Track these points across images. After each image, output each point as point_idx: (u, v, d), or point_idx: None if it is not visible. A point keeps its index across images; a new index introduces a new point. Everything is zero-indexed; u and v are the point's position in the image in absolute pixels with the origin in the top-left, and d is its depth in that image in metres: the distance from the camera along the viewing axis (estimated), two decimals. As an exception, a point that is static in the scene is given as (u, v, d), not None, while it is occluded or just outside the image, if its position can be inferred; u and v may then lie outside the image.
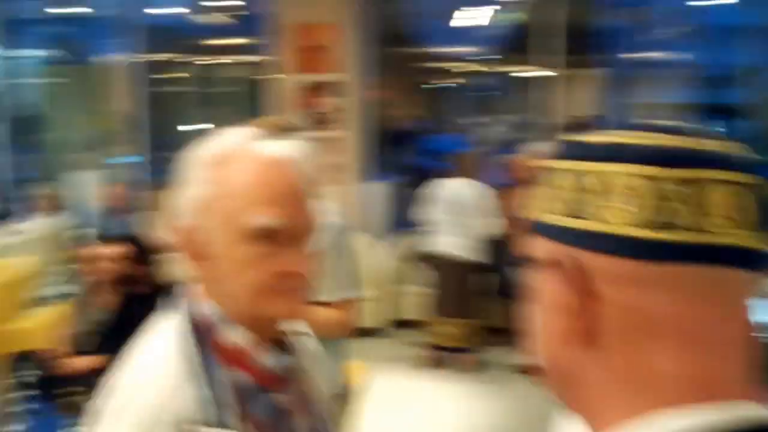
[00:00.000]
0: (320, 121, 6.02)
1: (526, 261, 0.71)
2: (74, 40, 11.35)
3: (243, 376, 1.08)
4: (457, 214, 5.16)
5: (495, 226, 5.13)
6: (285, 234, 1.06)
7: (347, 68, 5.93)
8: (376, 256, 5.94)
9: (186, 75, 9.23)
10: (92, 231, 6.31)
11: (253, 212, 1.04)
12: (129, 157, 9.59)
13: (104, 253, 3.96)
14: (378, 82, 6.26)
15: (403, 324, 6.07)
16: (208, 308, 1.10)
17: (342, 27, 5.87)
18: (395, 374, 5.24)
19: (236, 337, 1.09)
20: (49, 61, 10.65)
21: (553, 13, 6.42)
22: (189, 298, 1.12)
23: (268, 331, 1.12)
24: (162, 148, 8.29)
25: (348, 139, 6.05)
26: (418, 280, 5.75)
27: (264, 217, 1.04)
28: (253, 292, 1.06)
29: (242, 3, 8.61)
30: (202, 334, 1.08)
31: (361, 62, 6.03)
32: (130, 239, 3.98)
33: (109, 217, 6.50)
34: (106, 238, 4.84)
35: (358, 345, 2.95)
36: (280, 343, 1.15)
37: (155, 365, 1.06)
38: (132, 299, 3.87)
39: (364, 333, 5.42)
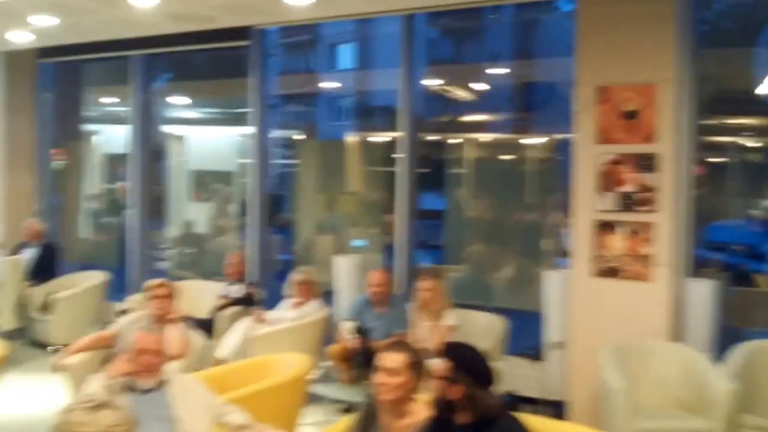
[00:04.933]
0: (630, 203, 4.97)
1: None
2: (313, 119, 11.26)
3: None
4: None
5: None
6: None
7: (665, 138, 4.87)
8: (704, 375, 4.67)
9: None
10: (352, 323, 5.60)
11: None
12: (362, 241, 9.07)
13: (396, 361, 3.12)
14: (696, 156, 5.12)
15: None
16: None
17: (661, 88, 4.85)
18: None
19: None
20: (290, 141, 10.56)
21: None
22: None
23: None
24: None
25: (663, 224, 4.92)
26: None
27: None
28: None
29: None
30: None
31: (680, 131, 4.94)
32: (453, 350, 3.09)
33: (369, 308, 5.77)
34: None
35: None
36: None
37: None
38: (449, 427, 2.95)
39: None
